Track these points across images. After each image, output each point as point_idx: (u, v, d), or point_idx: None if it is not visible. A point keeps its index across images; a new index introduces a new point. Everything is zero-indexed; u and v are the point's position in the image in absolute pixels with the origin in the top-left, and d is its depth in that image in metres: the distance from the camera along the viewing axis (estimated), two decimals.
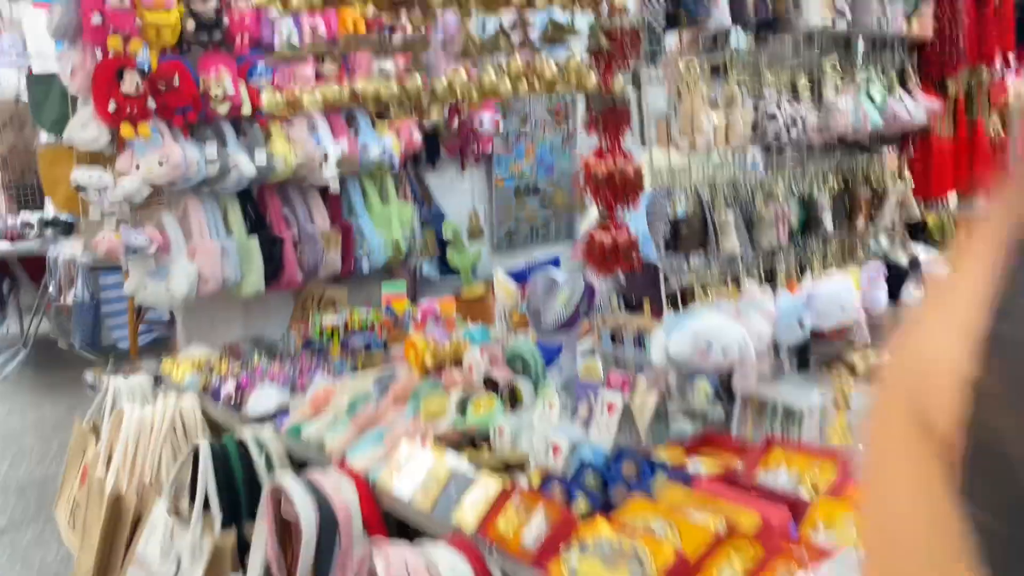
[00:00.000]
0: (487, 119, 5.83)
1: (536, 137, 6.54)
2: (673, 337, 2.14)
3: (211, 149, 4.32)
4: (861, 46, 2.57)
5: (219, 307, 4.95)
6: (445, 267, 5.80)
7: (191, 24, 4.20)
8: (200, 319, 4.99)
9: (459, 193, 6.12)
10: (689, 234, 2.16)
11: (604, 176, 2.09)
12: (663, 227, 2.17)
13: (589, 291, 2.84)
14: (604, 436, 2.22)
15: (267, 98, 2.28)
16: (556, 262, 3.35)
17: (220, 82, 4.27)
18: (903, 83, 2.69)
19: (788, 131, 2.30)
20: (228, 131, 4.52)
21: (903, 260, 2.74)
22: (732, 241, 2.18)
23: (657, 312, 2.74)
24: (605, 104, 2.16)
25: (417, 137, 5.48)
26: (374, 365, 3.44)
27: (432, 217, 5.78)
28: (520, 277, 3.39)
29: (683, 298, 2.66)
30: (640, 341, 2.68)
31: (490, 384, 2.86)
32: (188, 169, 4.24)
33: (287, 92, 2.40)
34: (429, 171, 5.95)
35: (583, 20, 2.22)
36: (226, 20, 4.31)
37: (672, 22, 2.17)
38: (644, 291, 2.81)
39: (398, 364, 3.23)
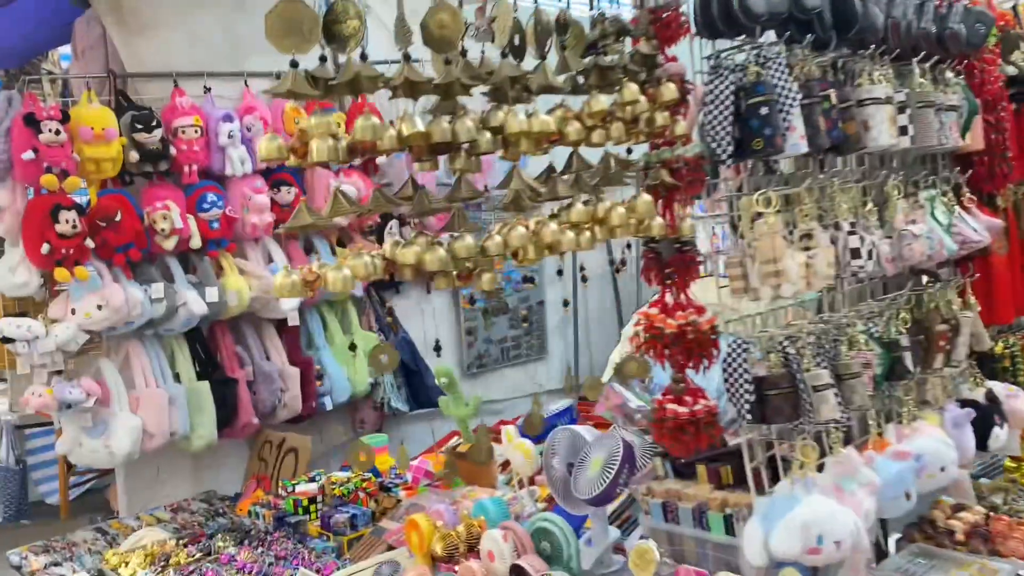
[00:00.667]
0: None
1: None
2: (776, 530, 1.73)
3: (157, 288, 3.84)
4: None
5: (164, 460, 4.37)
6: (415, 401, 5.31)
7: (134, 155, 3.77)
8: (142, 476, 4.38)
9: (425, 316, 5.69)
10: (779, 400, 1.78)
11: (674, 333, 1.71)
12: (744, 391, 1.78)
13: (628, 453, 2.41)
14: None
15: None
16: (569, 413, 2.94)
17: (167, 215, 3.82)
18: (958, 200, 2.42)
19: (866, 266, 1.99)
20: (175, 267, 4.05)
21: (979, 397, 2.42)
22: (831, 406, 1.81)
23: (714, 477, 2.32)
24: (668, 249, 1.80)
25: None
26: (364, 548, 2.91)
27: (399, 345, 5.32)
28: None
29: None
30: (701, 518, 2.25)
31: (518, 573, 2.38)
32: (131, 311, 3.74)
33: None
34: (393, 295, 5.52)
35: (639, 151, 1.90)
36: (172, 149, 3.90)
37: (740, 151, 1.85)
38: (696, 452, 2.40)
39: (396, 549, 2.72)
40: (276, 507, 3.20)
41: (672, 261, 1.82)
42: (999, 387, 2.45)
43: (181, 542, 3.07)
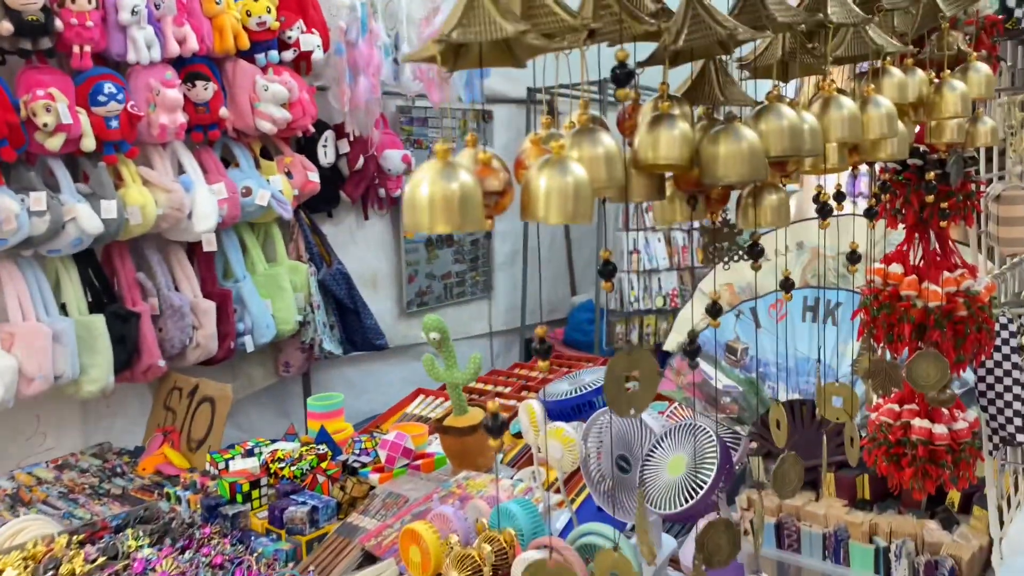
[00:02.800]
0: (395, 157, 4.68)
1: None
2: None
3: (37, 198, 2.97)
4: None
5: (47, 409, 3.57)
6: (350, 343, 4.57)
7: (6, 26, 2.82)
8: (19, 428, 3.55)
9: (360, 246, 4.92)
10: None
11: (939, 308, 1.06)
12: (1013, 396, 1.16)
13: (725, 453, 1.78)
14: None
15: None
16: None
17: (51, 107, 2.91)
18: None
19: None
20: (62, 173, 3.16)
21: None
22: None
23: (847, 491, 1.72)
24: (957, 169, 1.11)
25: (314, 178, 4.25)
26: (331, 554, 2.20)
27: (333, 278, 4.55)
28: (555, 412, 2.27)
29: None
30: (837, 548, 1.65)
31: None
32: (2, 225, 2.87)
33: None
34: (326, 220, 4.72)
35: None
36: (58, 23, 2.95)
37: None
38: (817, 453, 1.79)
39: (381, 562, 2.03)
40: (205, 490, 2.42)
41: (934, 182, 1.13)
42: None
43: (75, 539, 2.27)
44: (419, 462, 2.56)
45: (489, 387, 3.42)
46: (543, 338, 0.93)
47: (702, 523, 1.76)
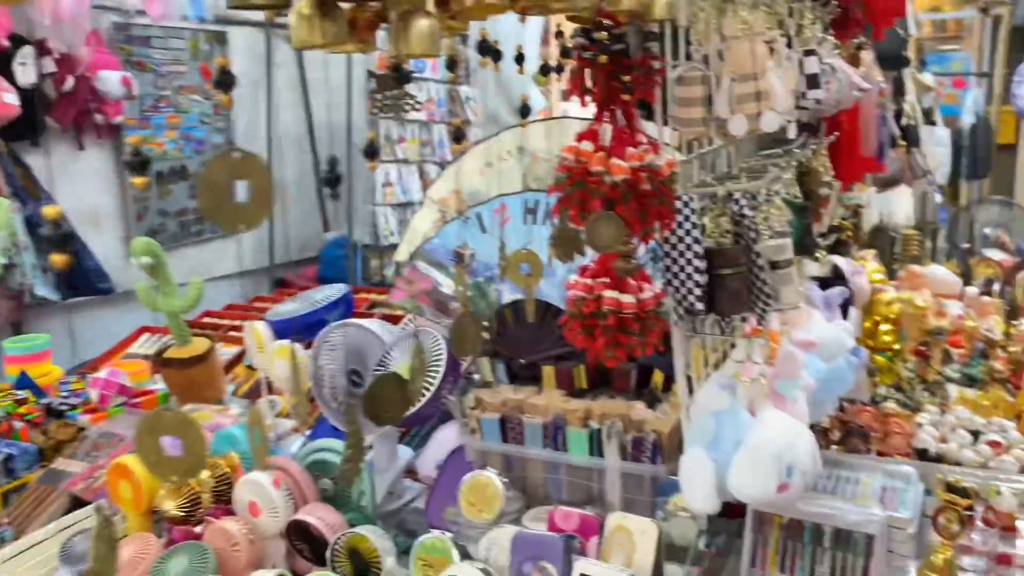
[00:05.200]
0: (113, 79, 4.21)
1: (180, 103, 5.01)
2: (740, 465, 1.24)
3: None
4: None
5: None
6: (68, 287, 4.11)
7: None
8: None
9: (77, 180, 4.42)
10: (737, 282, 1.25)
11: (625, 179, 1.08)
12: (693, 270, 1.22)
13: (451, 355, 1.78)
14: None
15: None
16: (344, 304, 2.15)
17: None
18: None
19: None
20: None
21: (825, 272, 2.15)
22: (794, 288, 1.33)
23: (566, 382, 1.78)
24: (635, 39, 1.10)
25: (10, 100, 3.72)
26: (31, 504, 1.96)
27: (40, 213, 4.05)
28: (285, 332, 2.15)
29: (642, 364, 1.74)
30: (556, 435, 1.70)
31: (299, 531, 1.67)
32: None
33: None
34: (31, 150, 4.16)
35: None
36: None
37: None
38: (538, 349, 1.83)
39: (91, 504, 1.84)
40: None
41: (614, 63, 1.14)
42: (843, 262, 2.21)
43: None
44: (140, 400, 2.35)
45: (226, 320, 3.22)
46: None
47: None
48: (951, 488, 1.45)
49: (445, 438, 2.14)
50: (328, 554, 1.60)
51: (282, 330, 2.13)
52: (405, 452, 2.14)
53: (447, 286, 1.96)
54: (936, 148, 5.84)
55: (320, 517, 1.65)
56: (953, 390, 2.29)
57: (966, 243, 5.41)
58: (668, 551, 1.59)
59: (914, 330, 2.36)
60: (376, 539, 1.58)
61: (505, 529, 1.56)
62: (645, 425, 1.63)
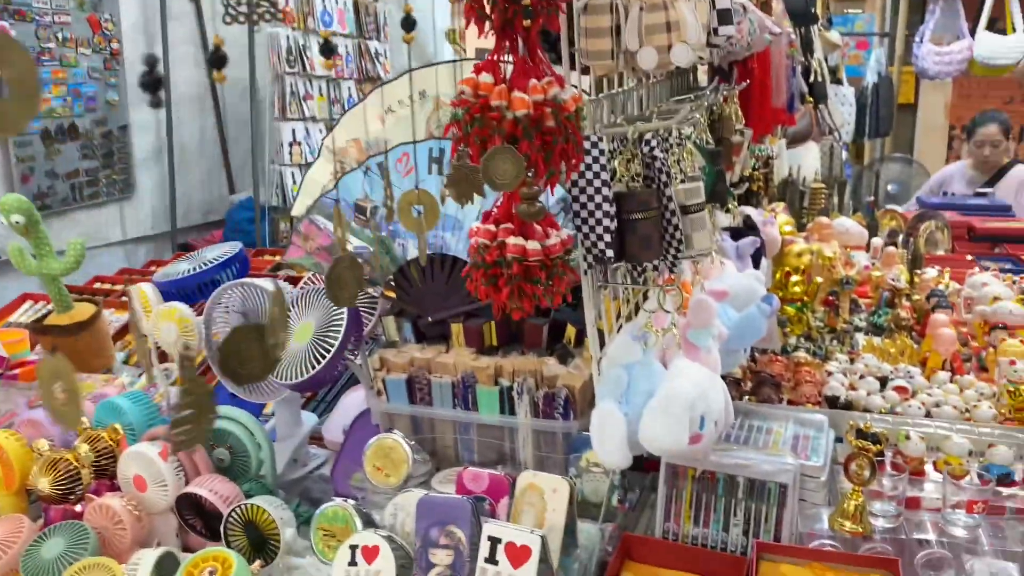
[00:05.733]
0: None
1: (66, 56, 4.68)
2: (652, 417, 1.18)
3: None
4: None
5: None
6: None
7: None
8: None
9: None
10: (648, 227, 1.18)
11: (527, 113, 0.99)
12: (602, 215, 1.15)
13: (353, 314, 1.68)
14: None
15: None
16: (237, 263, 1.99)
17: None
18: None
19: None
20: None
21: (737, 223, 2.12)
22: (707, 232, 1.27)
23: (475, 340, 1.70)
24: None
25: None
26: None
27: None
28: (174, 294, 2.00)
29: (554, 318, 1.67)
30: (466, 394, 1.63)
31: (190, 505, 1.56)
32: None
33: None
34: None
35: None
36: None
37: None
38: (446, 306, 1.74)
39: None
40: None
41: None
42: (755, 213, 2.19)
43: None
44: (17, 371, 2.17)
45: (119, 286, 3.02)
46: None
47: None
48: (862, 435, 1.44)
49: (352, 402, 2.05)
50: (222, 528, 1.50)
51: (171, 292, 1.98)
52: (309, 418, 2.04)
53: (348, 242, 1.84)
54: (842, 107, 5.96)
55: (212, 489, 1.54)
56: (861, 339, 2.31)
57: (870, 198, 5.55)
58: (581, 508, 1.54)
59: (823, 281, 2.36)
60: (274, 510, 1.49)
61: (412, 493, 1.48)
62: (557, 381, 1.58)
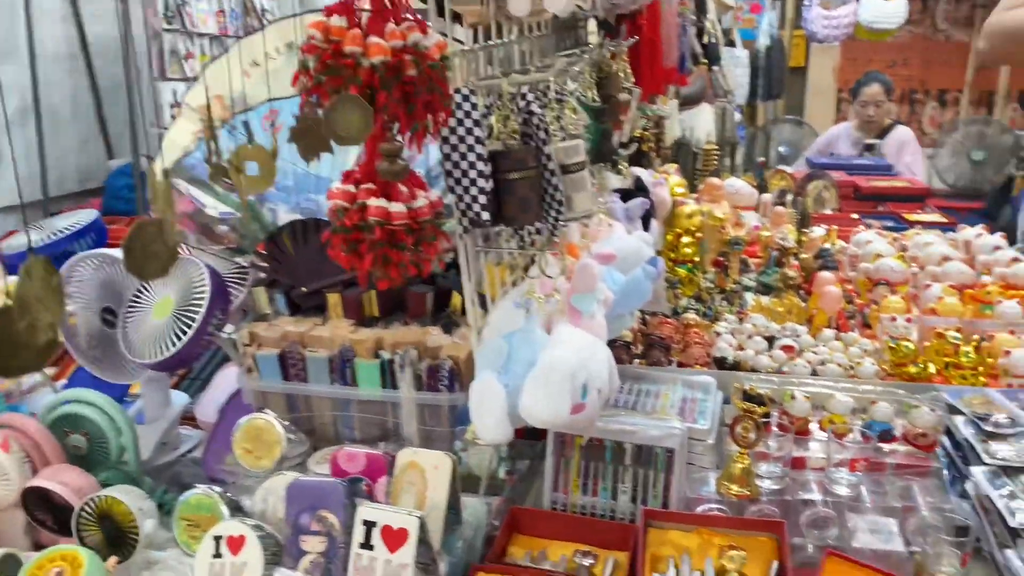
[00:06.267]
0: None
1: None
2: (534, 387, 1.12)
3: None
4: None
5: None
6: None
7: None
8: None
9: None
10: (526, 188, 1.10)
11: (385, 61, 0.90)
12: (477, 175, 1.07)
13: (218, 285, 1.56)
14: None
15: None
16: (94, 232, 1.80)
17: None
18: None
19: None
20: None
21: (627, 184, 2.08)
22: (588, 194, 1.20)
23: (354, 310, 1.60)
24: None
25: None
26: None
27: None
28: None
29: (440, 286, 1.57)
30: (344, 369, 1.53)
31: (38, 499, 1.42)
32: None
33: None
34: None
35: None
36: None
37: None
38: (321, 275, 1.62)
39: None
40: None
41: None
42: (645, 174, 2.15)
43: None
44: None
45: None
46: None
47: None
48: (748, 397, 1.43)
49: (227, 379, 1.92)
50: (73, 523, 1.37)
51: (18, 264, 1.80)
52: (180, 398, 1.90)
53: (212, 207, 1.71)
54: (736, 69, 6.04)
55: (63, 481, 1.40)
56: (750, 298, 2.32)
57: (762, 159, 5.66)
58: (467, 481, 1.48)
59: (714, 241, 2.36)
60: (131, 500, 1.36)
61: (283, 477, 1.38)
62: (441, 352, 1.50)
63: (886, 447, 1.48)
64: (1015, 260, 2.12)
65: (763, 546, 1.32)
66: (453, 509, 1.35)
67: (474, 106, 1.10)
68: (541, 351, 1.17)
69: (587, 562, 1.36)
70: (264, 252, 1.68)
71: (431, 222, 1.05)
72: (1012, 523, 1.25)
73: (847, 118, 6.06)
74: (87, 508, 1.37)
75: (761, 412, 1.39)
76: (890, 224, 3.09)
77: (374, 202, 1.01)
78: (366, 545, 1.20)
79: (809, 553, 1.36)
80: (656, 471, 1.43)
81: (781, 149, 6.82)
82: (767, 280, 2.43)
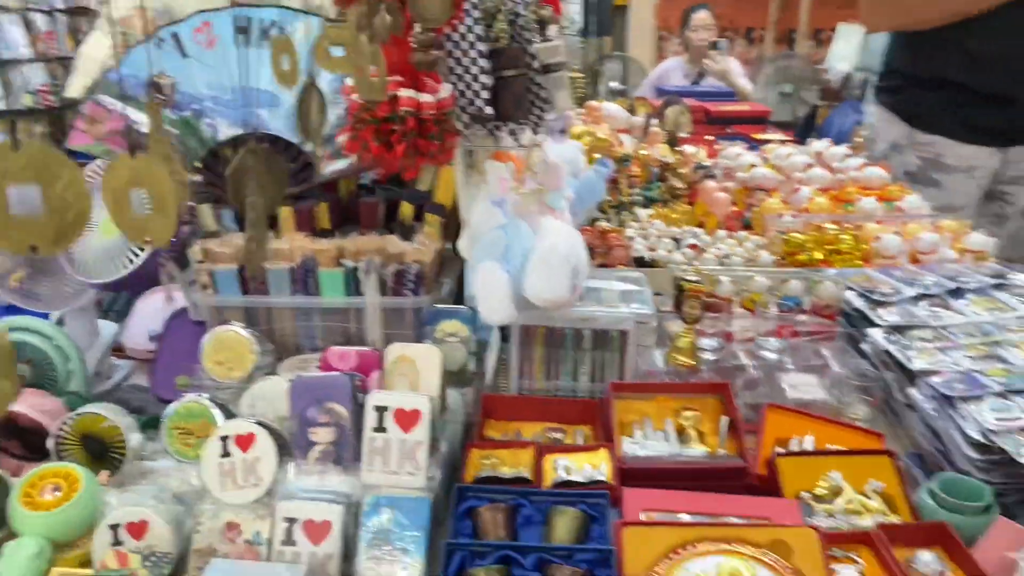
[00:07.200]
0: None
1: None
2: (535, 270, 1.21)
3: None
4: None
5: None
6: None
7: None
8: None
9: None
10: (519, 86, 1.17)
11: None
12: (479, 70, 1.13)
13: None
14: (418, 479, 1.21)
15: None
16: None
17: None
18: None
19: None
20: None
21: None
22: (567, 93, 1.28)
23: (306, 223, 1.62)
24: None
25: None
26: None
27: None
28: None
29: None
30: (306, 279, 1.55)
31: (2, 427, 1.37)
32: None
33: None
34: None
35: None
36: None
37: None
38: (268, 181, 1.60)
39: None
40: None
41: None
42: None
43: None
44: None
45: None
46: None
47: None
48: (689, 282, 1.60)
49: (149, 306, 1.87)
50: (51, 444, 1.33)
51: None
52: (108, 327, 1.84)
53: (145, 123, 1.64)
54: (570, 5, 6.24)
55: (32, 404, 1.35)
56: (640, 212, 2.51)
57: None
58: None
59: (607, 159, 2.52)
60: (115, 416, 1.35)
61: (269, 381, 1.41)
62: (405, 257, 1.56)
63: (799, 317, 1.71)
64: (865, 165, 2.44)
65: (712, 406, 1.51)
66: (442, 398, 1.43)
67: (474, 5, 1.16)
68: (529, 241, 1.27)
69: (558, 435, 1.50)
70: (206, 168, 1.65)
71: (452, 114, 1.12)
72: (910, 367, 1.51)
73: (665, 57, 6.42)
74: (65, 428, 1.34)
75: (706, 291, 1.57)
76: (742, 144, 3.39)
77: (405, 92, 1.06)
78: (379, 429, 1.27)
79: (745, 412, 1.57)
80: (611, 352, 1.58)
81: (612, 84, 7.14)
82: (651, 194, 2.63)
